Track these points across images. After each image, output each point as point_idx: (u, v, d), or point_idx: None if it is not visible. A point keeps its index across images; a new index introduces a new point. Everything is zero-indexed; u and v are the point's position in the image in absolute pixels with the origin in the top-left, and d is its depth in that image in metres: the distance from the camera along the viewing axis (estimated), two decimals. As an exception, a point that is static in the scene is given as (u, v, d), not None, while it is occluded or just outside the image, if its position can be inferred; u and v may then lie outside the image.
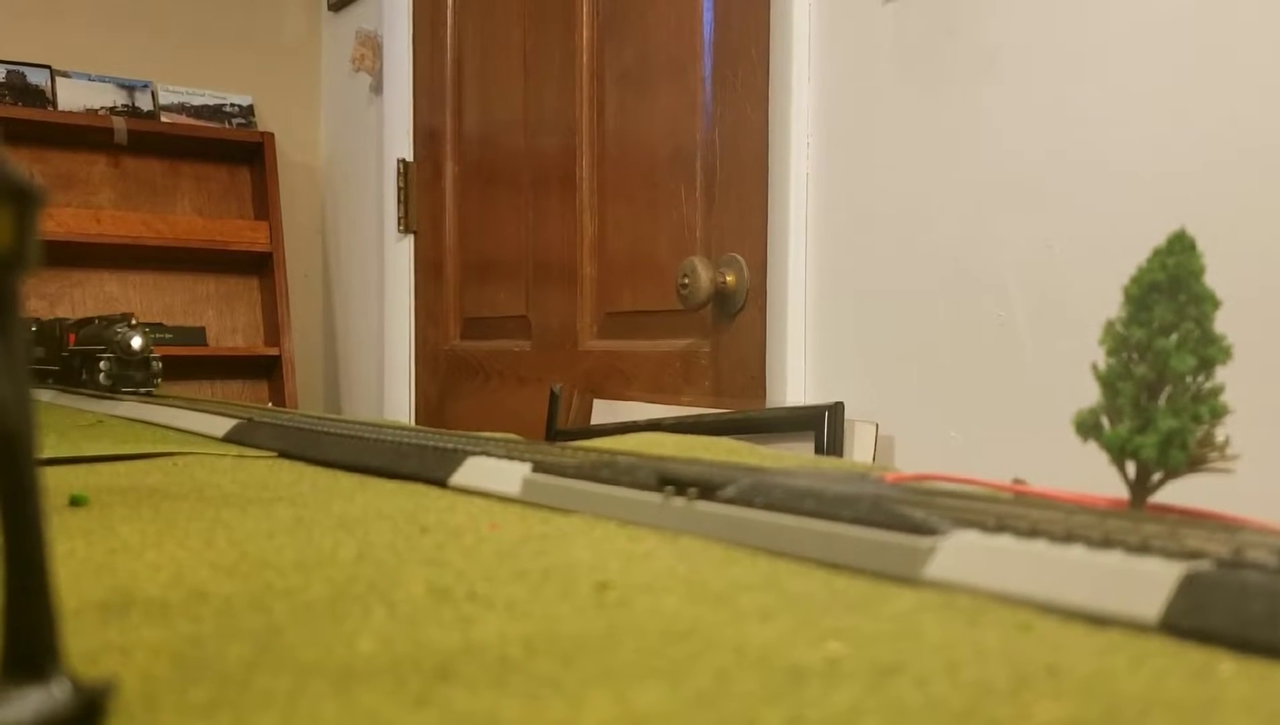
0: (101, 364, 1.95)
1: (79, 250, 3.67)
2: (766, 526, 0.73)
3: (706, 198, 2.36)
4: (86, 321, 2.27)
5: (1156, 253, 0.65)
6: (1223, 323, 0.64)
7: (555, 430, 2.44)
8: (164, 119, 3.90)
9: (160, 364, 1.99)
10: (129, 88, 3.87)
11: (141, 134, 3.82)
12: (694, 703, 0.41)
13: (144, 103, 3.88)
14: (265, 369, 4.04)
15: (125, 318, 1.97)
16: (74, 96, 3.77)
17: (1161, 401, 0.64)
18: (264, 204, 4.00)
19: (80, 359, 2.16)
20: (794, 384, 2.09)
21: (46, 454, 1.15)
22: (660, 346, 2.52)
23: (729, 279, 2.25)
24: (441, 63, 3.33)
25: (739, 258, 2.25)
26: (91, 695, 0.38)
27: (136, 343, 1.95)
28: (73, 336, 2.24)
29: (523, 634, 0.51)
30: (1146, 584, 0.53)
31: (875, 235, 1.97)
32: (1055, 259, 1.68)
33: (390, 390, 3.57)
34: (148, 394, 1.94)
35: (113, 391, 1.95)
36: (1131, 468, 0.66)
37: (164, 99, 3.91)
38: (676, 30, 2.44)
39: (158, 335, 3.32)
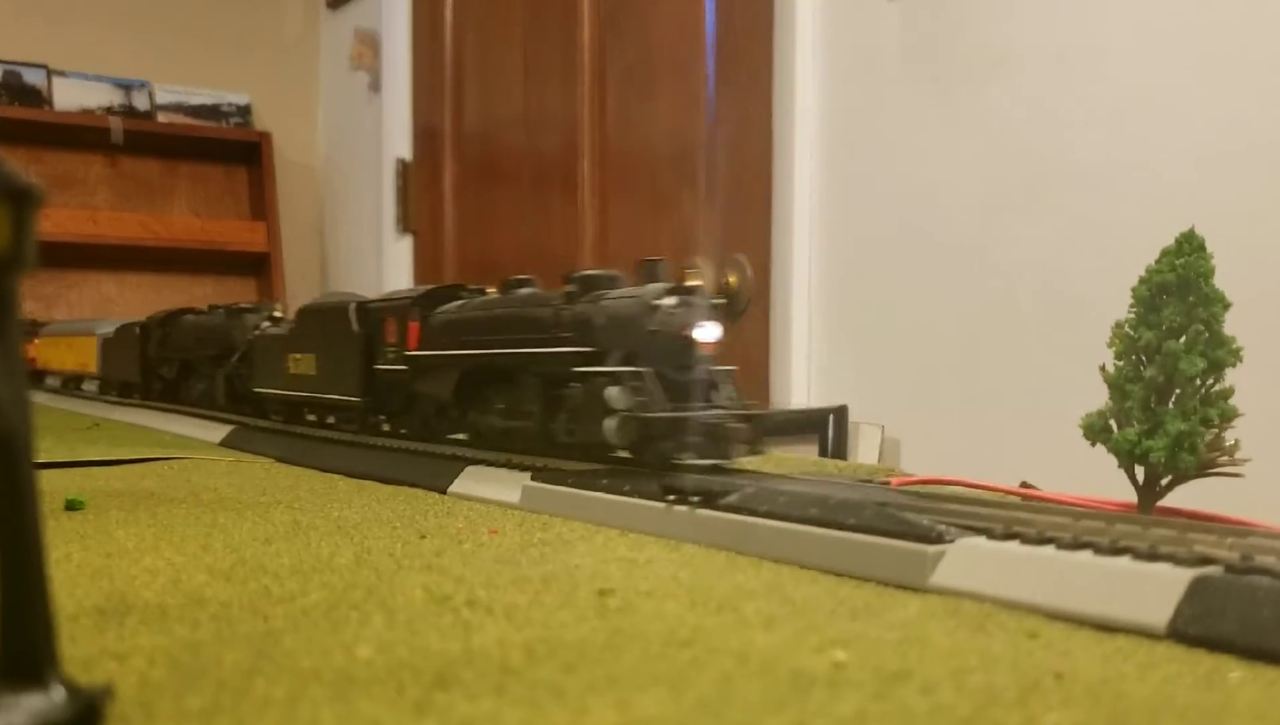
0: (613, 394, 0.89)
1: (75, 251, 3.67)
2: (770, 534, 0.72)
3: (709, 198, 2.36)
4: (450, 290, 1.17)
5: (1165, 253, 0.65)
6: (1233, 324, 0.64)
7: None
8: (161, 119, 3.90)
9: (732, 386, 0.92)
10: (126, 87, 3.87)
11: (138, 134, 3.82)
12: (697, 710, 0.41)
13: (141, 102, 3.87)
14: (263, 370, 4.04)
15: (652, 265, 0.93)
16: (70, 96, 3.76)
17: (1170, 404, 0.64)
18: (261, 204, 4.00)
19: (462, 382, 1.08)
20: (798, 386, 2.08)
21: (43, 457, 1.15)
22: (659, 348, 2.51)
23: (732, 280, 2.25)
24: (441, 61, 3.33)
25: (742, 259, 2.25)
26: (88, 700, 0.38)
27: (707, 333, 0.91)
28: (416, 327, 1.15)
29: (523, 640, 0.50)
30: (1155, 590, 0.53)
31: (880, 236, 1.97)
32: (1063, 260, 1.68)
33: (388, 391, 3.56)
34: (714, 466, 0.92)
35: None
36: (1140, 471, 0.66)
37: (161, 98, 3.91)
38: (679, 28, 2.44)
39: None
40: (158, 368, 2.04)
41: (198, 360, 1.86)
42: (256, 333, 1.57)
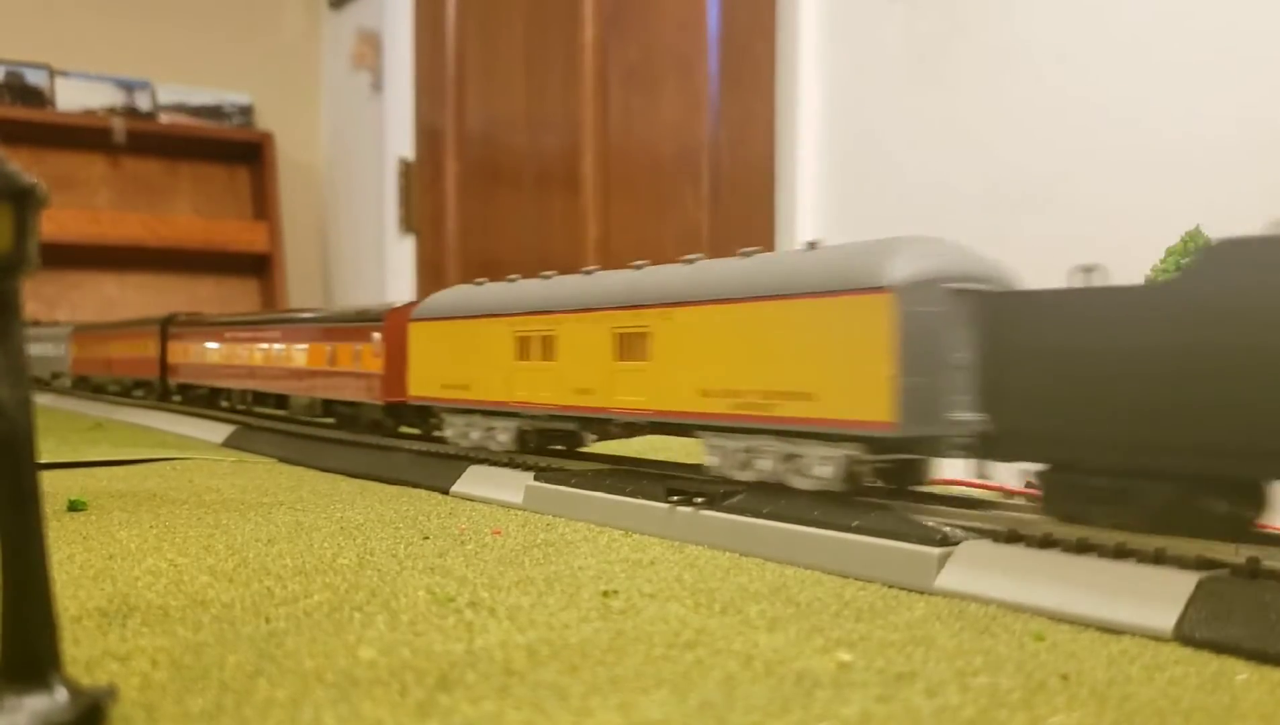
0: None
1: (77, 252, 3.67)
2: (774, 535, 0.73)
3: (713, 197, 2.36)
4: None
5: (1170, 252, 0.64)
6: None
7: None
8: (163, 119, 3.90)
9: None
10: (128, 87, 3.87)
11: (140, 134, 3.82)
12: (700, 712, 0.41)
13: (143, 102, 3.87)
14: (265, 370, 4.03)
15: None
16: (73, 96, 3.76)
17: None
18: (263, 204, 4.00)
19: None
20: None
21: (46, 458, 1.15)
22: (661, 348, 2.50)
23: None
24: (443, 61, 3.33)
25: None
26: (91, 702, 0.38)
27: None
28: None
29: (526, 642, 0.50)
30: (1161, 594, 0.53)
31: (883, 235, 1.95)
32: (1071, 259, 1.67)
33: (390, 391, 3.55)
34: None
35: None
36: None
37: (163, 98, 3.91)
38: (682, 26, 2.44)
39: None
40: None
41: None
42: None
